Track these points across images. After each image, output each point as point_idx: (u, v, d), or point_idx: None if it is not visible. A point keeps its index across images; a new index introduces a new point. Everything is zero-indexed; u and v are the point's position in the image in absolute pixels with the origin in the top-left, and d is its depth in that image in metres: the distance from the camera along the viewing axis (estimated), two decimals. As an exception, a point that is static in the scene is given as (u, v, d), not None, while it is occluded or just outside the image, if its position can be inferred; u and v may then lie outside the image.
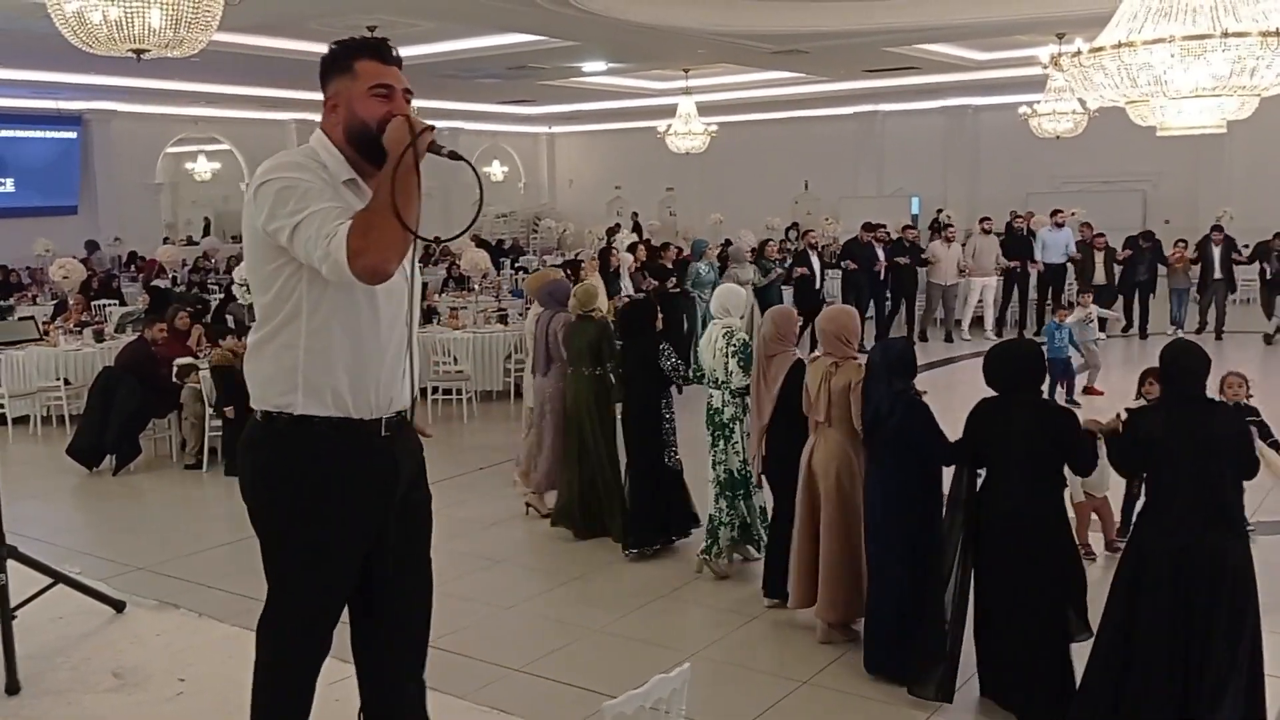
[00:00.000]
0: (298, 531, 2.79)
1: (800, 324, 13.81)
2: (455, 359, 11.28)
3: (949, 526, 4.52)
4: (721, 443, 6.10)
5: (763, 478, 5.92)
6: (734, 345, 6.06)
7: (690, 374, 6.47)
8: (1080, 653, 4.21)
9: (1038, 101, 15.09)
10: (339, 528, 2.78)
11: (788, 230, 15.89)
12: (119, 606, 4.67)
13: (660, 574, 6.26)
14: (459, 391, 11.02)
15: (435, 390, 11.03)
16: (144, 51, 6.83)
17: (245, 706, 2.99)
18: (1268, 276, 14.53)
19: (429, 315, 12.46)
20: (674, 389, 6.64)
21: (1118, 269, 15.03)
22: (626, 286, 12.36)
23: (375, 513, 2.81)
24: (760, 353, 5.75)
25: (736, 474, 6.09)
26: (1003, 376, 4.46)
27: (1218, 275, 14.64)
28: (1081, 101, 13.34)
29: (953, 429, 4.68)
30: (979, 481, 4.48)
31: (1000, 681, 4.42)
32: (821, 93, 20.93)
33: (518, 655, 5.14)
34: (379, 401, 2.77)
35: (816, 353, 5.38)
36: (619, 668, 4.97)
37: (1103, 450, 4.62)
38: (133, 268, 19.50)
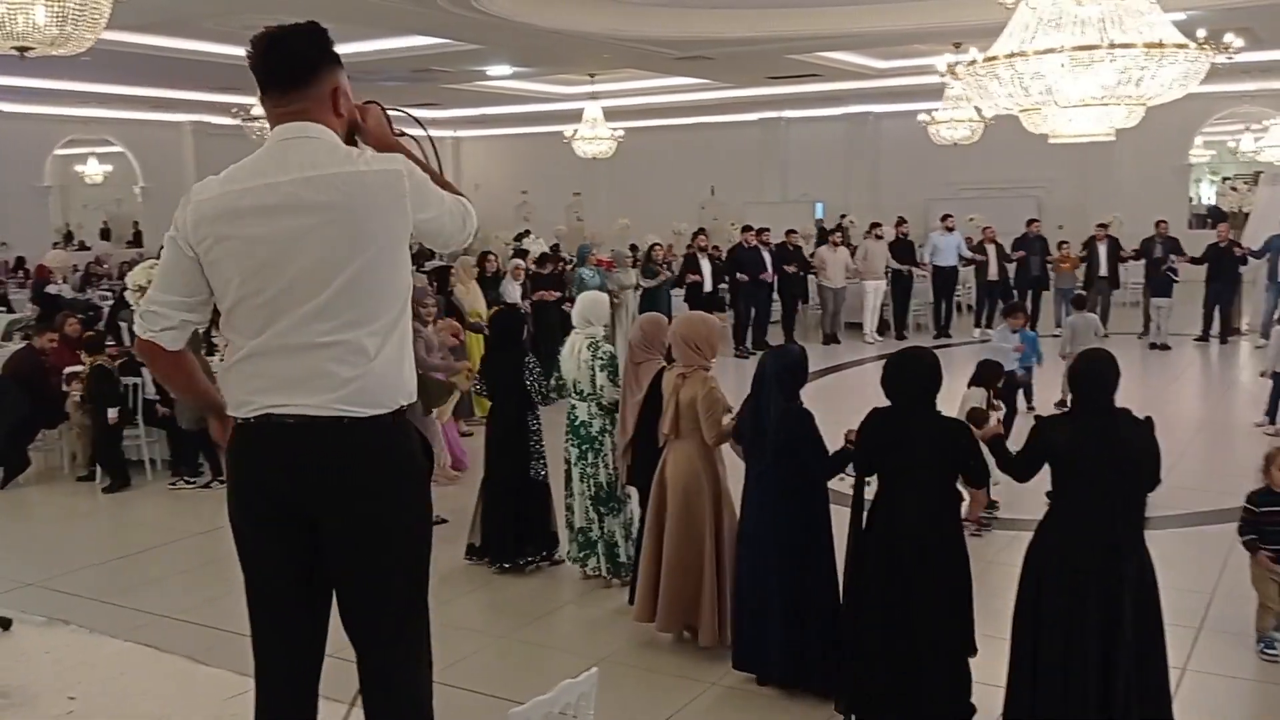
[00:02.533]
0: (431, 520, 2.87)
1: None
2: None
3: (848, 540, 4.35)
4: (590, 455, 5.94)
5: (630, 488, 5.82)
6: (601, 357, 5.89)
7: (550, 390, 6.26)
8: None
9: (936, 109, 15.45)
10: None
11: (694, 235, 16.04)
12: (5, 624, 4.51)
13: (562, 581, 6.22)
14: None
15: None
16: (28, 49, 6.58)
17: (137, 723, 2.90)
18: (1151, 272, 15.02)
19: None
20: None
21: (1009, 267, 15.69)
22: (511, 293, 11.82)
23: None
24: (627, 360, 5.64)
25: (605, 488, 5.95)
26: (902, 387, 4.25)
27: (1103, 273, 15.19)
28: (978, 109, 13.75)
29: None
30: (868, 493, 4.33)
31: (888, 700, 4.19)
32: (726, 99, 21.12)
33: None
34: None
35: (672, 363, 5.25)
36: (526, 674, 4.95)
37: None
38: (20, 273, 18.82)
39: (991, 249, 15.75)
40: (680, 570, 5.03)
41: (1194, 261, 14.75)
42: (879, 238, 15.76)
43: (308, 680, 2.80)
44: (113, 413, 8.19)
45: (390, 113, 2.83)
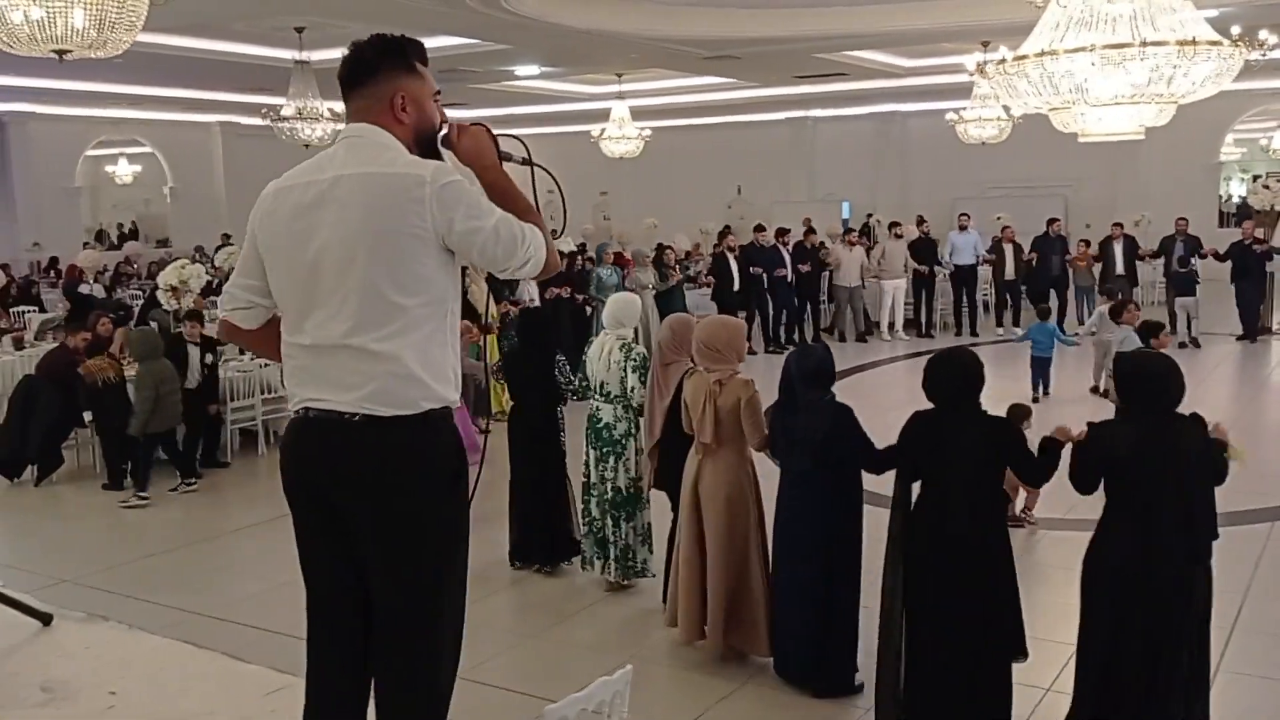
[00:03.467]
0: (463, 523, 2.81)
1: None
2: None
3: (889, 546, 4.26)
4: (612, 459, 5.84)
5: (654, 491, 5.67)
6: (634, 360, 5.78)
7: (578, 387, 6.18)
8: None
9: (964, 108, 15.39)
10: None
11: (721, 234, 16.08)
12: (46, 619, 4.56)
13: (590, 581, 6.21)
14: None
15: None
16: (66, 52, 6.66)
17: (176, 718, 2.94)
18: (1171, 269, 14.88)
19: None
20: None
21: (1031, 260, 15.64)
22: (527, 291, 11.76)
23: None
24: (656, 361, 5.53)
25: (625, 491, 5.84)
26: (944, 388, 4.18)
27: (1120, 272, 15.08)
28: (1006, 108, 13.69)
29: (875, 436, 4.55)
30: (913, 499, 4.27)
31: (937, 707, 4.17)
32: (754, 98, 21.09)
33: (456, 661, 5.10)
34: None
35: (691, 366, 5.14)
36: (560, 672, 4.97)
37: None
38: (52, 273, 19.02)
39: (1009, 248, 15.73)
40: (730, 589, 4.87)
41: (1218, 258, 14.62)
42: (898, 237, 15.77)
43: (356, 675, 2.81)
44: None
45: (501, 138, 2.82)
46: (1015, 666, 4.17)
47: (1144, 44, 6.64)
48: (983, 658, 4.07)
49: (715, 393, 4.84)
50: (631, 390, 5.79)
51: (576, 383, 6.21)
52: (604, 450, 5.88)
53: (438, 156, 2.73)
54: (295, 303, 2.68)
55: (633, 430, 5.85)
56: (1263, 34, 7.04)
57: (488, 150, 2.77)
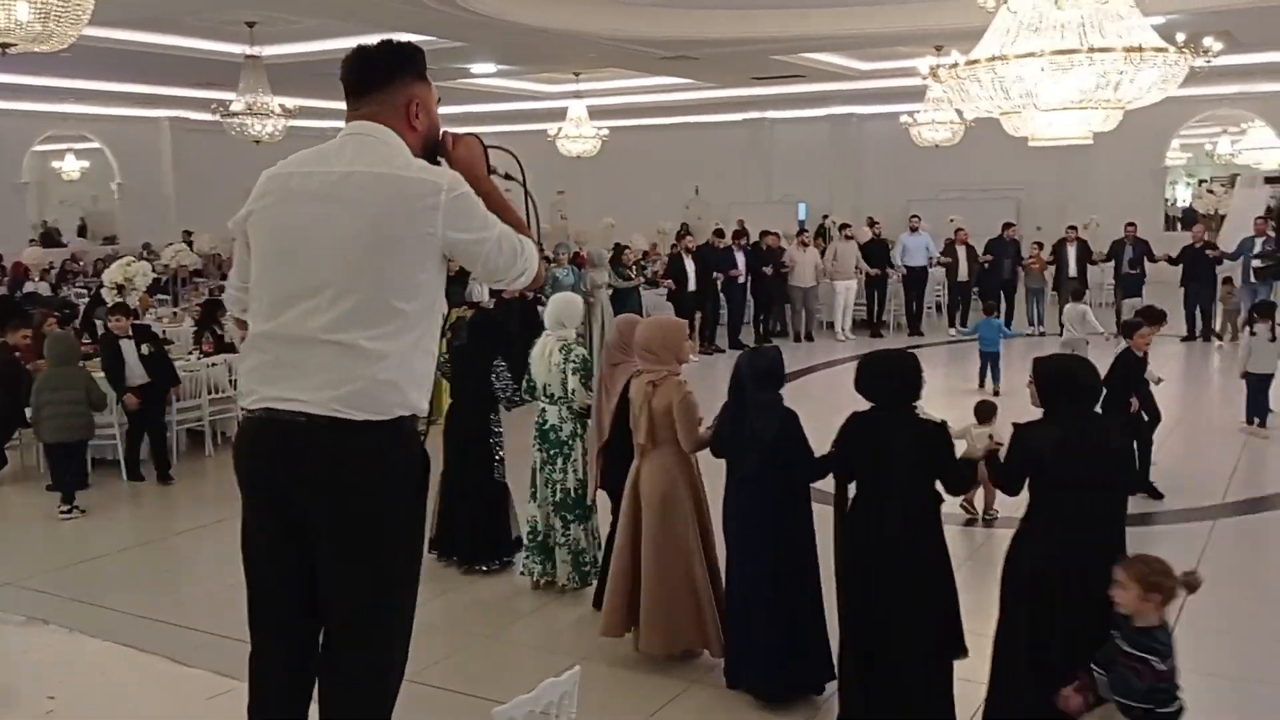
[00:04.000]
0: (420, 533, 2.83)
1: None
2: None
3: (837, 546, 4.31)
4: (559, 460, 5.79)
5: (600, 492, 5.63)
6: (574, 361, 5.75)
7: (520, 395, 6.14)
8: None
9: (918, 111, 15.54)
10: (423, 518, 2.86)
11: (679, 235, 16.14)
12: (-17, 624, 4.47)
13: (546, 582, 6.21)
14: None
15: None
16: (10, 46, 6.55)
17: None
18: (1122, 272, 15.21)
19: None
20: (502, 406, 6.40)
21: (984, 264, 15.91)
22: (477, 292, 11.60)
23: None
24: (604, 363, 5.49)
25: (573, 494, 5.80)
26: (878, 388, 4.21)
27: (1072, 274, 15.37)
28: (959, 112, 13.84)
29: (823, 437, 4.53)
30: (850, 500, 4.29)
31: (884, 704, 4.18)
32: (711, 99, 21.15)
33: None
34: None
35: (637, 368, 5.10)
36: (508, 674, 4.94)
37: None
38: (-4, 269, 18.65)
39: (963, 250, 15.97)
40: (669, 588, 4.82)
41: (1170, 262, 14.92)
42: (849, 238, 16.01)
43: (300, 675, 2.80)
44: None
45: (492, 150, 2.88)
46: (959, 663, 4.20)
47: (1092, 50, 6.74)
48: (923, 656, 4.10)
49: (650, 394, 4.84)
50: (573, 392, 5.75)
51: (515, 391, 6.19)
52: (550, 452, 5.83)
53: (436, 164, 2.76)
54: (276, 291, 2.63)
55: (579, 431, 5.81)
56: (1207, 41, 7.17)
57: (480, 161, 2.82)
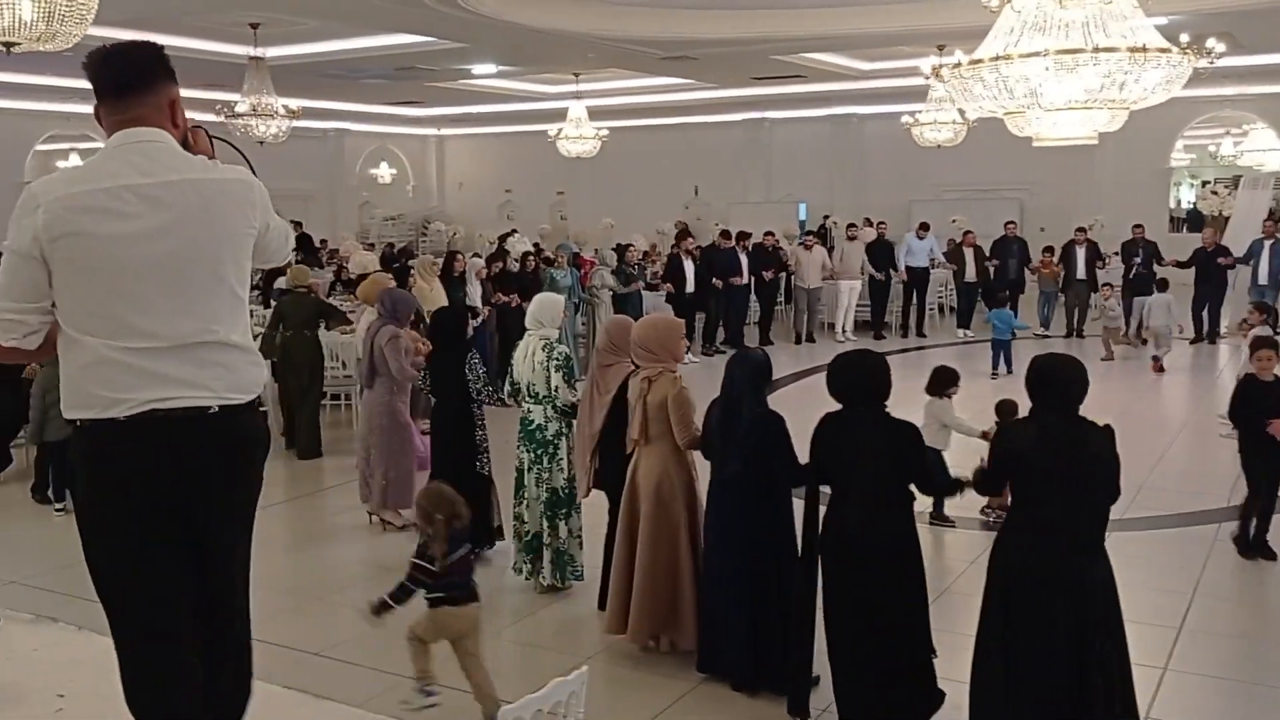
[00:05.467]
0: None
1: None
2: (344, 363, 11.08)
3: (801, 546, 4.37)
4: (546, 460, 5.81)
5: (594, 491, 5.64)
6: (556, 359, 5.78)
7: (503, 394, 6.19)
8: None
9: (920, 111, 15.53)
10: None
11: (679, 237, 16.12)
12: (-9, 622, 4.48)
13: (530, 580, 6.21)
14: (346, 396, 10.83)
15: (324, 395, 10.80)
16: (14, 45, 6.55)
17: (126, 720, 2.91)
18: (1130, 275, 15.25)
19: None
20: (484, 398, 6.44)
21: (990, 267, 16.01)
22: (473, 295, 11.66)
23: None
24: (595, 363, 5.57)
25: (561, 493, 5.83)
26: (845, 388, 4.26)
27: (1081, 276, 15.44)
28: (961, 111, 13.83)
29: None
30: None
31: (859, 704, 4.21)
32: (711, 99, 21.14)
33: (409, 663, 5.06)
34: None
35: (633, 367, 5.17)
36: (516, 673, 4.95)
37: None
38: (-1, 269, 18.68)
39: (970, 252, 15.97)
40: (653, 578, 4.93)
41: (1179, 265, 14.96)
42: (853, 239, 16.03)
43: (194, 652, 2.89)
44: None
45: (217, 141, 3.07)
46: (950, 667, 4.22)
47: (1096, 50, 6.74)
48: (897, 656, 4.13)
49: (644, 390, 4.92)
50: (555, 390, 5.78)
51: (487, 385, 6.32)
52: (537, 452, 5.85)
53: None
54: (123, 308, 2.68)
55: (564, 430, 5.83)
56: (1210, 42, 7.17)
57: (207, 151, 2.98)
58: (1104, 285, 14.51)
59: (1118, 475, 3.82)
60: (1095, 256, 15.62)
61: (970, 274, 15.99)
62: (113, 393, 2.67)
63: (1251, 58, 15.26)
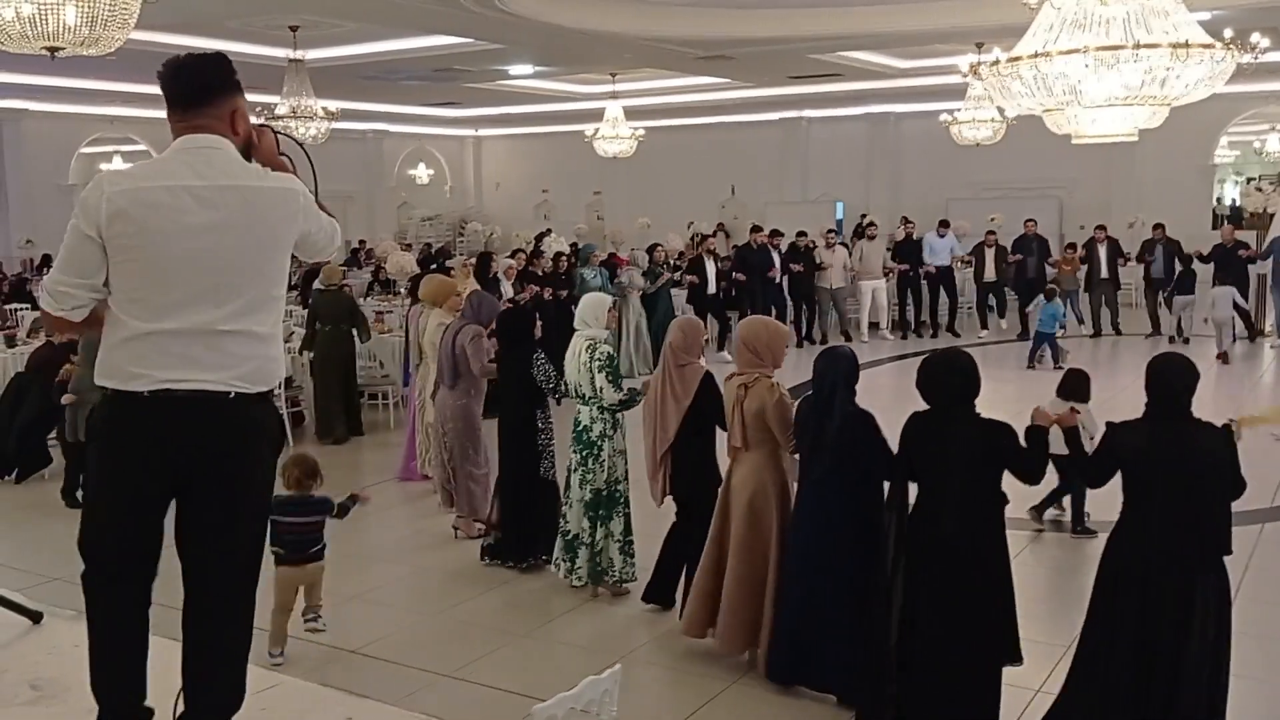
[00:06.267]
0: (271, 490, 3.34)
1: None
2: (381, 363, 11.17)
3: (889, 548, 4.28)
4: (590, 460, 5.79)
5: (668, 498, 5.55)
6: (599, 359, 5.75)
7: (564, 386, 6.14)
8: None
9: (958, 109, 15.42)
10: None
11: (701, 238, 16.11)
12: (36, 617, 4.53)
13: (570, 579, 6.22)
14: (383, 396, 10.91)
15: (361, 394, 10.91)
16: (58, 49, 6.65)
17: (167, 715, 2.95)
18: (1151, 274, 15.16)
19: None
20: (551, 400, 6.35)
21: (1008, 268, 15.91)
22: (506, 293, 11.71)
23: None
24: (669, 364, 5.48)
25: (603, 494, 5.79)
26: (939, 391, 4.18)
27: (1104, 275, 15.31)
28: (1000, 109, 13.72)
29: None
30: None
31: (926, 708, 4.16)
32: (747, 98, 21.10)
33: (445, 661, 5.10)
34: None
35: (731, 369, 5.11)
36: (549, 671, 4.97)
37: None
38: (45, 271, 18.99)
39: (990, 251, 15.82)
40: (745, 587, 4.84)
41: (1201, 259, 14.83)
42: (871, 238, 15.96)
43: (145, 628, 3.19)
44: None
45: (281, 137, 3.24)
46: (1012, 670, 4.18)
47: (1137, 46, 6.65)
48: (974, 661, 4.06)
49: (741, 397, 4.85)
50: (600, 390, 5.75)
51: (558, 383, 6.21)
52: (583, 453, 5.84)
53: (248, 158, 3.08)
54: (165, 294, 2.91)
55: (608, 432, 5.81)
56: (1255, 37, 7.05)
57: (273, 148, 3.17)
58: (1048, 287, 14.12)
59: (1236, 472, 3.79)
60: (1117, 254, 15.45)
61: (989, 273, 15.83)
62: (139, 368, 2.91)
63: (1298, 53, 15.02)
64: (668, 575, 5.62)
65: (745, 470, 4.91)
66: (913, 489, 4.28)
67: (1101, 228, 15.80)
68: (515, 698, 4.61)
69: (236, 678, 3.12)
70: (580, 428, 5.87)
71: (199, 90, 3.00)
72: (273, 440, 3.21)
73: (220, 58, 3.06)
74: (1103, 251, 15.36)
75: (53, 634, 4.48)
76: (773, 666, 4.75)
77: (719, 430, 5.27)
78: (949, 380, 4.17)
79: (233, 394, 2.94)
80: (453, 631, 5.60)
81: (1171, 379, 3.83)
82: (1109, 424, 3.99)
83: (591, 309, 5.98)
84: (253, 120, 3.14)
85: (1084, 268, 15.43)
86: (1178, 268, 14.71)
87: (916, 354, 11.27)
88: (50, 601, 4.94)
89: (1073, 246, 15.76)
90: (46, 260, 19.51)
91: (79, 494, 7.89)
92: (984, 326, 16.18)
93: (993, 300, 16.48)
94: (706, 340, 6.66)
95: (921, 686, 4.14)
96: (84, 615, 4.83)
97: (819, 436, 4.54)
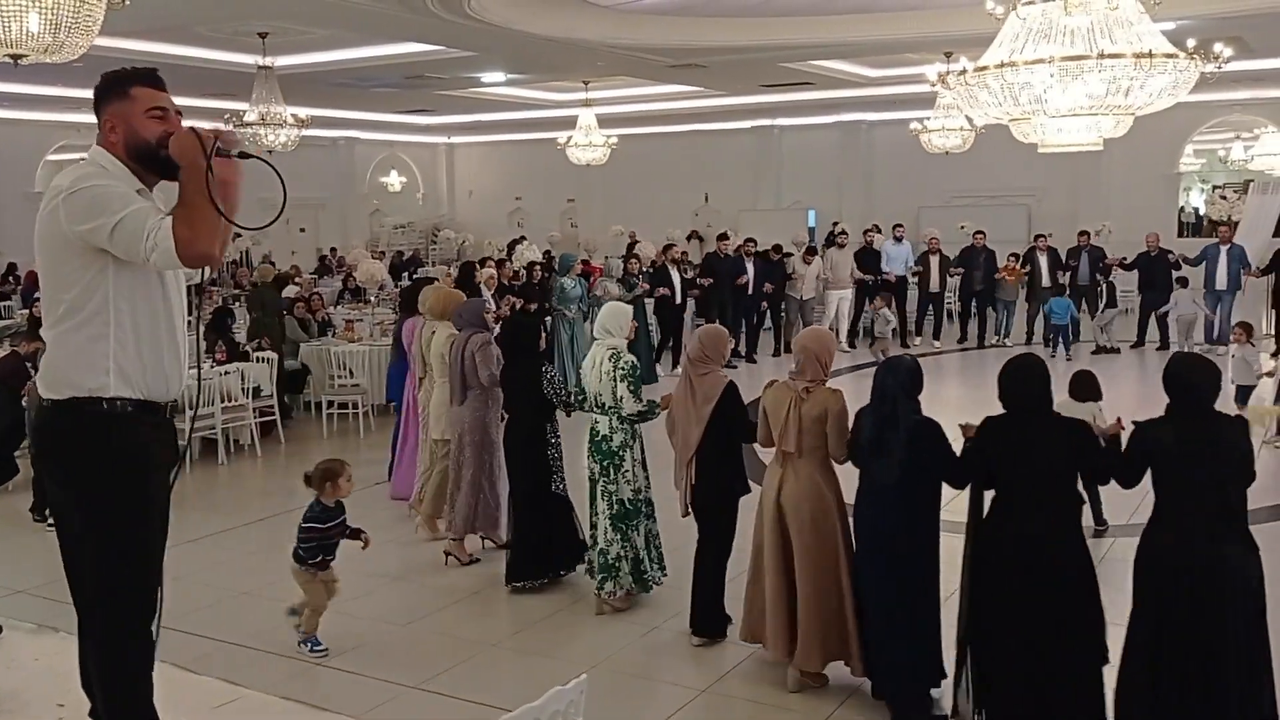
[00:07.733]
0: (130, 505, 3.17)
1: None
2: (350, 372, 11.11)
3: (965, 552, 4.36)
4: (612, 471, 5.73)
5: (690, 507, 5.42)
6: (622, 368, 5.70)
7: (574, 399, 6.06)
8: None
9: (928, 118, 15.51)
10: (151, 499, 3.23)
11: (665, 247, 16.06)
12: (-6, 631, 4.49)
13: (557, 590, 6.19)
14: (354, 405, 10.85)
15: (330, 404, 10.84)
16: (21, 57, 6.57)
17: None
18: (1077, 281, 15.36)
19: (324, 328, 12.24)
20: (560, 413, 6.27)
21: (952, 278, 16.04)
22: (489, 306, 11.73)
23: (164, 487, 3.29)
24: (690, 372, 5.42)
25: (629, 504, 5.74)
26: (1022, 394, 4.27)
27: (1045, 284, 15.43)
28: (969, 118, 13.82)
29: None
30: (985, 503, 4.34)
31: (1024, 711, 4.19)
32: (720, 106, 21.14)
33: (412, 673, 5.07)
34: (169, 388, 3.23)
35: (786, 375, 5.04)
36: (515, 682, 4.95)
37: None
38: (11, 279, 18.78)
39: (935, 260, 15.81)
40: (820, 600, 4.75)
41: (1123, 267, 15.04)
42: (841, 246, 15.85)
43: None
44: None
45: (246, 149, 3.19)
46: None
47: (1101, 56, 6.71)
48: (1065, 664, 4.10)
49: (802, 399, 4.80)
50: (621, 399, 5.68)
51: (569, 396, 6.12)
52: (604, 464, 5.76)
53: (159, 164, 3.12)
54: None
55: (629, 442, 5.75)
56: (1218, 47, 7.14)
57: (191, 151, 3.01)
58: (879, 294, 14.39)
59: (1251, 462, 3.96)
60: (1058, 264, 15.54)
61: (934, 284, 15.81)
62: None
63: (1262, 61, 15.18)
64: (711, 604, 5.43)
65: (797, 483, 4.82)
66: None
67: (1041, 236, 15.97)
68: (482, 709, 4.59)
69: (104, 684, 3.33)
70: (599, 438, 5.78)
71: (94, 107, 3.24)
72: (68, 449, 3.19)
73: (99, 79, 3.24)
74: (1043, 261, 15.50)
75: (13, 647, 4.44)
76: (876, 679, 4.70)
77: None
78: (1033, 385, 4.28)
79: (48, 402, 3.16)
80: (421, 643, 5.56)
81: (1190, 379, 3.99)
82: (1135, 423, 4.13)
83: (614, 318, 5.91)
84: (218, 125, 3.21)
85: (1067, 274, 15.50)
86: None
87: (869, 365, 11.34)
88: (10, 614, 4.89)
89: (1015, 256, 15.81)
90: (12, 269, 19.30)
91: (46, 510, 7.73)
92: (922, 335, 16.17)
93: (931, 309, 16.37)
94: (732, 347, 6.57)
95: (1010, 691, 4.18)
96: (43, 628, 4.78)
97: (879, 445, 4.52)
